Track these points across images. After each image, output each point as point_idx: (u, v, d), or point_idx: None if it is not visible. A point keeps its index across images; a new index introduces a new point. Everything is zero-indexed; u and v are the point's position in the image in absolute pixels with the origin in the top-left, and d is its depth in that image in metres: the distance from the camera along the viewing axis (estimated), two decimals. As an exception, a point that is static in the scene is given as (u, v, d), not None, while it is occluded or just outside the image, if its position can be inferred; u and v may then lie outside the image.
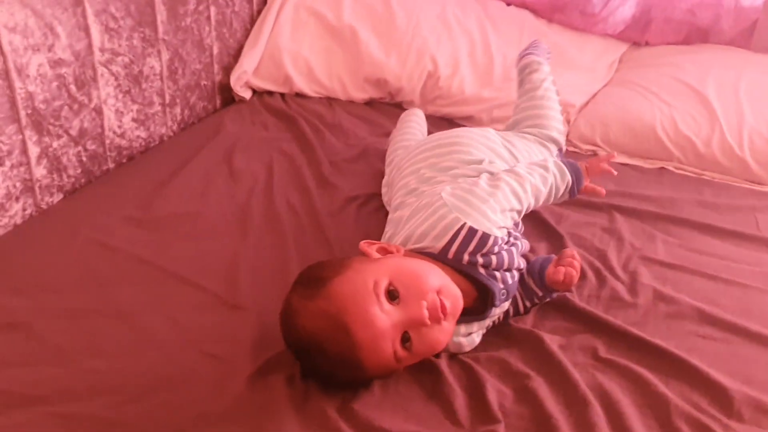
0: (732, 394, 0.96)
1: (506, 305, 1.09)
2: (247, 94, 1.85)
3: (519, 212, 1.11)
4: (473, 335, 1.05)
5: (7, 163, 1.26)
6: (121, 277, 1.15)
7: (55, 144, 1.35)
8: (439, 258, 1.00)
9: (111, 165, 1.51)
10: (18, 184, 1.29)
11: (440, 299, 0.93)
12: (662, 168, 1.63)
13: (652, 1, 1.89)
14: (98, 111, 1.44)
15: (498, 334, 1.10)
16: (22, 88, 1.25)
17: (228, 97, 1.86)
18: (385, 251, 1.00)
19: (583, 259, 1.25)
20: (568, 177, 1.17)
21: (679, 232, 1.37)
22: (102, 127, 1.46)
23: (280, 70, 1.84)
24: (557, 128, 1.40)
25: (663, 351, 1.03)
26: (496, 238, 1.02)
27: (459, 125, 1.76)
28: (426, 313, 0.90)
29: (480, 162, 1.18)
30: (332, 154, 1.58)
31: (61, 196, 1.40)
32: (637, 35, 1.95)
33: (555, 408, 0.94)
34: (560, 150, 1.40)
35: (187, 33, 1.67)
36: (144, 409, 0.91)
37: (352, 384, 0.94)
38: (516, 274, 1.08)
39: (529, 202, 1.11)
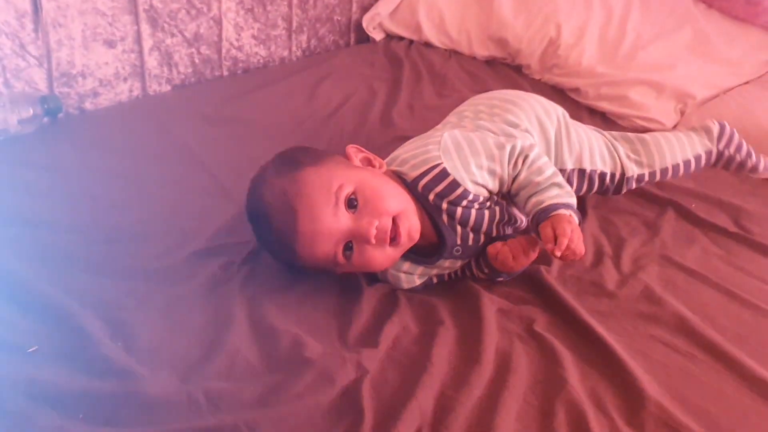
0: (647, 404, 0.87)
1: (457, 264, 1.07)
2: (378, 36, 1.94)
3: (505, 177, 1.03)
4: (414, 276, 1.06)
5: (119, 47, 1.49)
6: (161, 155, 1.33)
7: (168, 41, 1.56)
8: (410, 188, 1.01)
9: (225, 72, 1.70)
10: (127, 67, 1.52)
11: (396, 225, 0.95)
12: (767, 181, 1.42)
13: (834, -3, 1.61)
14: (216, 21, 1.62)
15: (445, 284, 1.09)
16: (142, -14, 1.47)
17: (363, 36, 1.96)
18: (368, 162, 1.03)
19: (596, 244, 1.18)
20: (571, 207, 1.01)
21: (730, 246, 1.21)
22: (219, 36, 1.65)
23: (413, 16, 1.89)
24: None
25: (602, 343, 0.96)
26: (466, 190, 1.00)
27: (567, 97, 1.69)
28: (374, 231, 0.93)
29: (515, 126, 1.14)
30: (417, 99, 1.62)
31: (169, 87, 1.61)
32: (809, 35, 1.68)
33: (444, 357, 0.92)
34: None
35: (326, -33, 1.79)
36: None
37: (288, 265, 1.02)
38: (480, 239, 1.05)
39: (517, 179, 1.03)
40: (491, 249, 1.02)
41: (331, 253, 0.94)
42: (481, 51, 1.84)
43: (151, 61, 1.55)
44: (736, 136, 1.28)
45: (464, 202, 1.01)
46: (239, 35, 1.68)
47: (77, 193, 1.20)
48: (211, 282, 1.01)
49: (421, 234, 1.00)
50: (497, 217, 1.05)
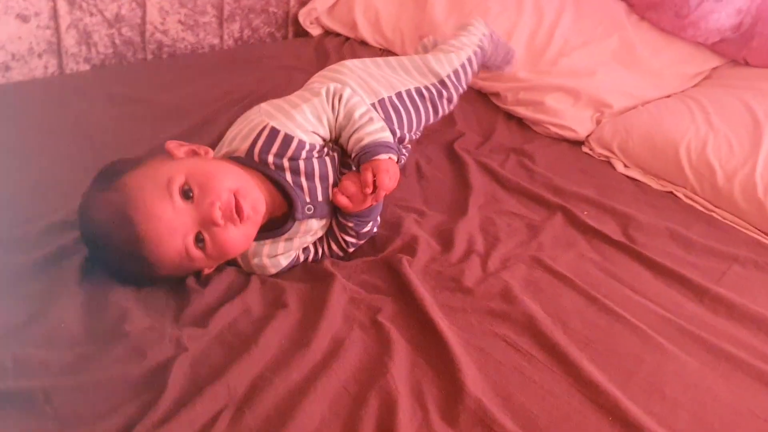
0: (466, 399, 0.86)
1: (316, 228, 1.06)
2: (315, 31, 1.94)
3: (333, 121, 1.06)
4: (279, 258, 1.05)
5: (33, 22, 1.49)
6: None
7: (86, 20, 1.56)
8: (246, 162, 1.01)
9: (149, 56, 1.70)
10: (42, 44, 1.52)
11: (237, 201, 0.94)
12: (671, 192, 1.41)
13: (760, 14, 1.60)
14: (139, 3, 1.63)
15: (304, 267, 1.08)
16: (57, -37, 1.47)
17: (302, 30, 1.96)
18: (193, 153, 1.01)
19: (469, 242, 1.17)
20: (386, 138, 1.06)
21: (609, 253, 1.20)
22: (142, 19, 1.65)
23: (350, 14, 1.89)
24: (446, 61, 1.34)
25: (439, 336, 0.94)
26: (301, 141, 1.00)
27: (487, 101, 1.69)
28: (218, 212, 0.91)
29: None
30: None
31: (87, 66, 1.61)
32: (734, 50, 1.67)
33: (273, 340, 0.91)
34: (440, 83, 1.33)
35: (258, -44, 1.79)
36: None
37: (144, 280, 0.96)
38: (329, 190, 1.05)
39: (337, 120, 1.06)
40: (338, 197, 1.03)
41: (182, 250, 0.91)
42: (413, 52, 1.83)
43: (69, 39, 1.55)
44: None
45: (304, 154, 1.01)
46: (164, 19, 1.68)
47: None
48: (57, 254, 1.01)
49: (270, 204, 1.00)
50: (337, 162, 1.06)
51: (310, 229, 1.05)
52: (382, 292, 1.03)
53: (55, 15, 1.51)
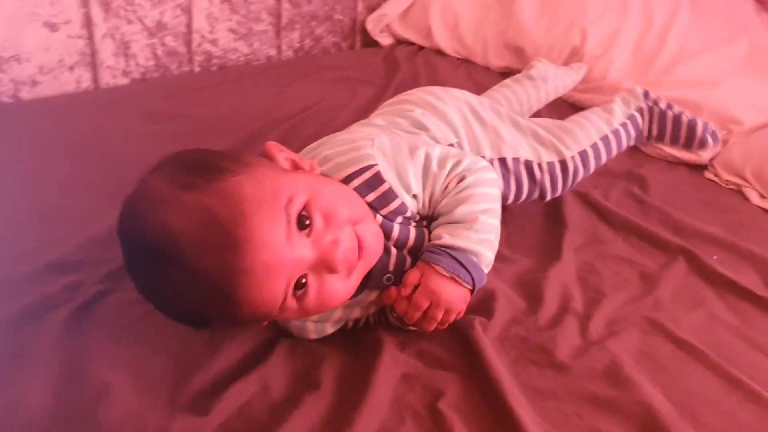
0: None
1: (366, 303, 0.81)
2: (385, 40, 1.72)
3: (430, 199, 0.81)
4: (326, 325, 0.81)
5: (63, 32, 1.33)
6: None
7: (124, 28, 1.39)
8: None
9: (196, 68, 1.52)
10: (74, 55, 1.36)
11: (358, 237, 0.70)
12: (821, 233, 1.10)
13: None
14: (184, 9, 1.45)
15: (351, 332, 0.84)
16: (91, -35, 1.30)
17: (371, 40, 1.75)
18: (294, 165, 0.76)
19: (564, 297, 0.90)
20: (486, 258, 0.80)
21: (750, 315, 0.92)
22: (188, 27, 1.47)
23: (425, 19, 1.67)
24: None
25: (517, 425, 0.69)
26: (404, 204, 0.77)
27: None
28: (341, 255, 0.68)
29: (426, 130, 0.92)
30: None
31: (126, 80, 1.44)
32: None
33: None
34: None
35: (321, -42, 1.59)
36: None
37: (210, 321, 0.72)
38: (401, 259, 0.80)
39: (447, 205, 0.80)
40: (386, 296, 0.79)
41: (279, 296, 0.66)
42: (497, 61, 1.59)
43: (104, 50, 1.38)
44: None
45: (400, 219, 0.78)
46: (213, 27, 1.50)
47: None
48: (41, 304, 0.81)
49: None
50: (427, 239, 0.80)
51: (377, 303, 0.82)
52: (446, 367, 0.78)
53: (88, 23, 1.34)
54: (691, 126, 1.11)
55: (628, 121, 1.09)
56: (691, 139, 1.12)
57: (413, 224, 0.80)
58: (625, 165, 1.25)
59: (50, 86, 1.34)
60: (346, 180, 0.76)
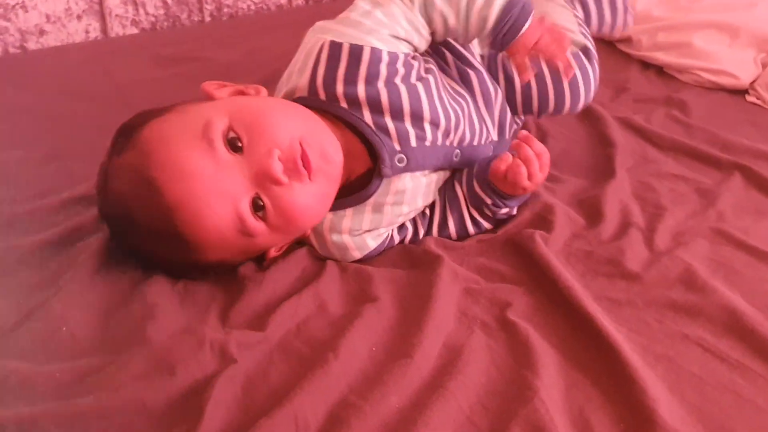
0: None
1: (413, 189, 0.77)
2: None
3: (420, 24, 0.77)
4: (365, 236, 0.77)
5: (70, -21, 1.27)
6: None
7: (132, -25, 1.33)
8: (311, 102, 0.73)
9: (207, 18, 1.46)
10: (81, 3, 1.30)
11: (302, 148, 0.67)
12: None
13: None
14: (193, -46, 1.39)
15: (399, 249, 0.79)
16: None
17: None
18: (240, 94, 0.74)
19: (623, 213, 0.85)
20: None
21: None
22: (198, -26, 1.41)
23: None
24: None
25: (605, 340, 0.64)
26: (375, 50, 0.72)
27: (615, 49, 1.37)
28: (278, 165, 0.65)
29: None
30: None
31: (136, 30, 1.38)
32: None
33: (360, 349, 0.63)
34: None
35: None
36: None
37: (186, 268, 0.70)
38: (432, 133, 0.76)
39: (437, 6, 0.76)
40: (495, 168, 0.76)
41: (234, 220, 0.64)
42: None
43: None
44: None
45: (383, 69, 0.72)
46: (223, -26, 1.44)
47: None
48: (71, 233, 0.76)
49: (348, 156, 0.72)
50: (439, 86, 0.77)
51: (404, 190, 0.76)
52: (510, 281, 0.74)
53: (94, -31, 1.28)
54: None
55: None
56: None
57: (402, 77, 0.74)
58: (663, 91, 1.20)
59: (58, 36, 1.29)
60: (313, 74, 0.73)
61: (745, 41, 1.23)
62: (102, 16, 1.32)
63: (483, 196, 0.80)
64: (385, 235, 0.79)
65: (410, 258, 0.78)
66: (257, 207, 0.65)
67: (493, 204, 0.80)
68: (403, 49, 0.75)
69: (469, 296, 0.71)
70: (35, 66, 1.19)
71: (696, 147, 1.01)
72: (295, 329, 0.65)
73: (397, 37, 0.74)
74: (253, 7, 1.51)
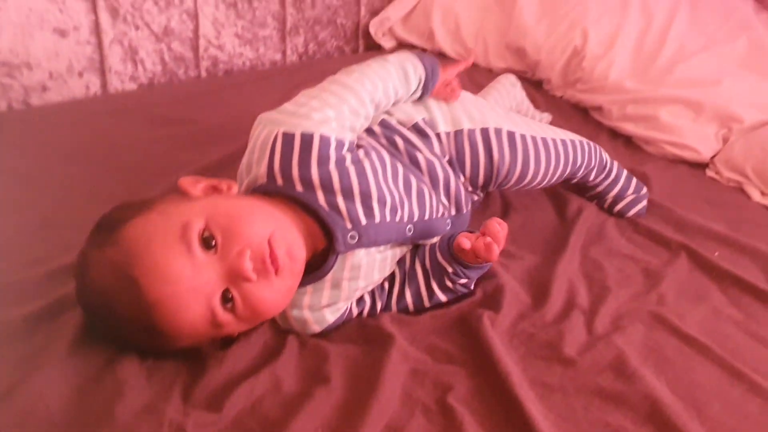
0: None
1: (367, 264, 0.84)
2: (388, 43, 1.74)
3: (361, 106, 0.86)
4: (324, 311, 0.83)
5: (72, 38, 1.35)
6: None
7: (132, 34, 1.41)
8: (270, 189, 0.80)
9: (203, 73, 1.54)
10: (83, 61, 1.38)
11: (270, 247, 0.73)
12: (823, 229, 1.11)
13: None
14: (191, 14, 1.46)
15: (357, 323, 0.86)
16: (100, -28, 1.32)
17: (373, 43, 1.76)
18: (213, 190, 0.81)
19: (570, 292, 0.92)
20: (420, 64, 0.93)
21: (754, 309, 0.93)
22: (195, 33, 1.49)
23: (427, 22, 1.68)
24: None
25: (532, 427, 0.70)
26: (325, 136, 0.80)
27: (588, 117, 1.44)
28: (249, 264, 0.71)
29: None
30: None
31: (134, 85, 1.46)
32: None
33: (308, 429, 0.69)
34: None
35: (324, -37, 1.61)
36: None
37: (157, 353, 0.76)
38: (380, 211, 0.82)
39: (370, 95, 0.87)
40: (460, 241, 0.83)
41: (206, 315, 0.71)
42: (498, 63, 1.61)
43: (112, 56, 1.40)
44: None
45: (333, 154, 0.80)
46: (219, 32, 1.51)
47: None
48: (55, 306, 0.82)
49: (308, 239, 0.80)
50: (385, 166, 0.85)
51: (359, 265, 0.83)
52: (456, 362, 0.80)
53: (97, 29, 1.36)
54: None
55: (580, 142, 1.05)
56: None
57: (351, 161, 0.82)
58: (628, 163, 1.26)
59: (59, 92, 1.36)
60: (270, 163, 0.80)
61: (709, 117, 1.30)
62: (102, 73, 1.39)
63: (445, 264, 0.86)
64: (343, 309, 0.85)
65: (365, 334, 0.84)
66: (226, 299, 0.72)
67: (454, 273, 0.87)
68: (349, 136, 0.83)
69: (416, 377, 0.77)
70: (35, 124, 1.26)
71: (649, 226, 1.08)
72: (249, 408, 0.71)
73: (342, 126, 0.82)
74: (248, 62, 1.58)
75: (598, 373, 0.78)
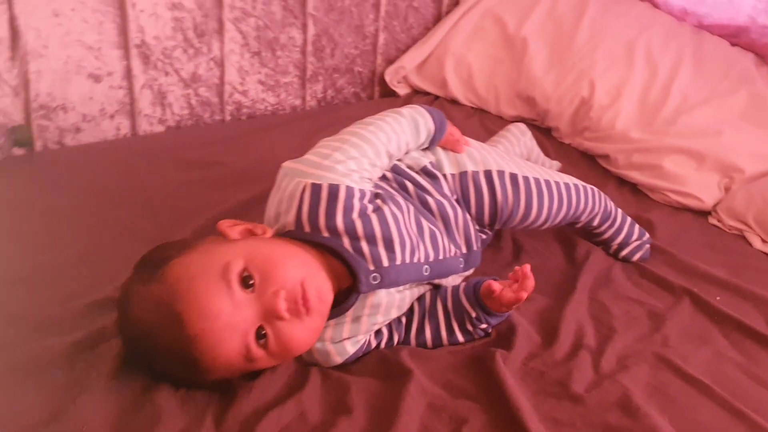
0: None
1: (387, 302, 0.89)
2: (402, 90, 1.81)
3: (378, 158, 0.92)
4: (345, 343, 0.89)
5: (105, 82, 1.42)
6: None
7: (161, 79, 1.48)
8: (298, 236, 0.86)
9: (228, 117, 1.61)
10: (115, 104, 1.45)
11: (303, 289, 0.79)
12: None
13: None
14: (217, 62, 1.54)
15: (377, 357, 0.91)
16: (134, 21, 1.40)
17: (389, 90, 1.84)
18: (249, 233, 0.87)
19: (578, 333, 0.96)
20: (429, 117, 1.00)
21: (755, 352, 0.98)
22: (221, 79, 1.56)
23: (440, 71, 1.76)
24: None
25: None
26: (350, 188, 0.86)
27: (596, 164, 1.50)
28: (284, 304, 0.77)
29: None
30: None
31: (162, 128, 1.53)
32: None
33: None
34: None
35: (343, 14, 1.69)
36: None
37: (191, 383, 0.81)
38: (401, 253, 0.88)
39: (386, 147, 0.93)
40: (487, 287, 0.90)
41: (241, 350, 0.77)
42: (509, 110, 1.68)
43: (142, 100, 1.47)
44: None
45: (357, 204, 0.86)
46: (243, 79, 1.59)
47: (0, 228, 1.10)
48: (95, 336, 0.87)
49: (333, 280, 0.85)
50: (403, 212, 0.90)
51: (379, 304, 0.88)
52: (471, 397, 0.84)
53: (128, 75, 1.44)
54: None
55: (584, 187, 1.10)
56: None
57: (375, 209, 0.87)
58: (633, 210, 1.32)
59: (92, 133, 1.43)
60: (298, 213, 0.85)
61: (711, 167, 1.36)
62: (132, 116, 1.46)
63: (469, 308, 0.92)
64: (362, 341, 0.90)
65: (385, 369, 0.89)
66: (260, 336, 0.78)
67: (476, 318, 0.92)
68: (368, 186, 0.89)
69: (433, 411, 0.82)
70: (69, 163, 1.33)
71: (654, 271, 1.13)
72: (278, 436, 0.76)
73: (363, 177, 0.89)
74: (269, 107, 1.66)
75: (606, 410, 0.83)
